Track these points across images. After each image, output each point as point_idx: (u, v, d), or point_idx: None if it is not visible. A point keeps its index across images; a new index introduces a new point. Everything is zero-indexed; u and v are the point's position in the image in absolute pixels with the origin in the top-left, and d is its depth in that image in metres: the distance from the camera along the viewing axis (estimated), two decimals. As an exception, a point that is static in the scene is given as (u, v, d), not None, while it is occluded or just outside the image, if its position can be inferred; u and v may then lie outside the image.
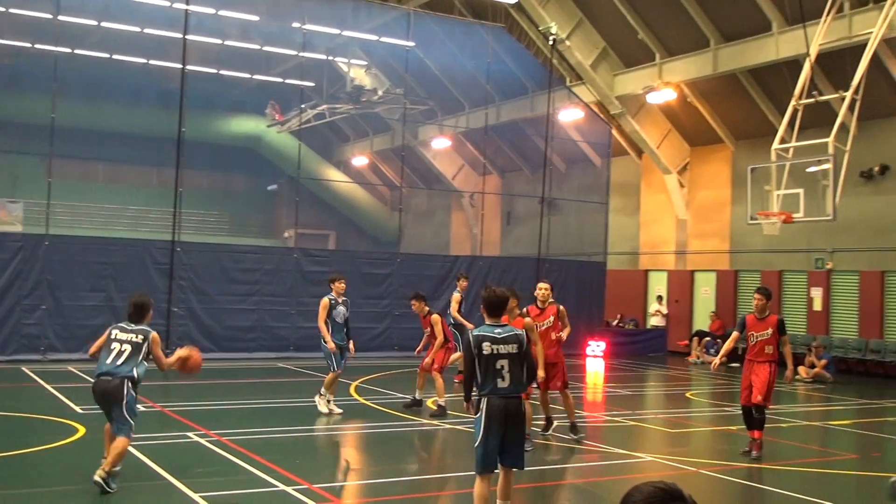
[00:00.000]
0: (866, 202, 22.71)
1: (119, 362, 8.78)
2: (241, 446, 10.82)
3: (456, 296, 17.69)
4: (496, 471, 7.69)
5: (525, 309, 11.46)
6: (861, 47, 19.30)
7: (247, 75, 34.88)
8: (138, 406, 9.07)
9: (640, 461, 11.09)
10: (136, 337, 8.99)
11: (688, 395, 17.85)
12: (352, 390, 16.51)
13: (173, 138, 21.33)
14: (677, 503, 2.50)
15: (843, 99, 19.18)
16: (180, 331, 20.87)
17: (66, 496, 8.66)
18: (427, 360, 14.04)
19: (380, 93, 31.89)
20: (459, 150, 37.06)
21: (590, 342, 25.36)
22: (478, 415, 7.51)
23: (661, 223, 29.36)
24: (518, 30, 29.16)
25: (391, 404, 15.00)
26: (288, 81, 31.03)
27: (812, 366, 21.47)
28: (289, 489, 8.86)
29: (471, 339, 7.51)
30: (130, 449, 9.21)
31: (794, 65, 21.46)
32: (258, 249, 24.24)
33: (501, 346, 7.46)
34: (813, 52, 19.64)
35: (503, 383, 7.44)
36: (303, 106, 28.62)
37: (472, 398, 7.77)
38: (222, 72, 33.99)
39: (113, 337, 8.99)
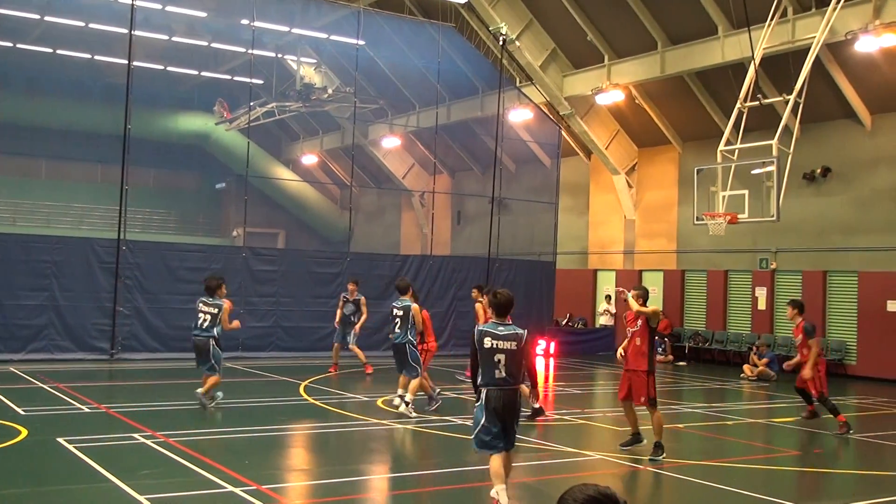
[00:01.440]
0: (809, 203, 23.17)
1: (204, 326, 13.40)
2: (188, 447, 10.69)
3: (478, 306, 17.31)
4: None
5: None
6: (804, 52, 19.69)
7: (194, 72, 34.50)
8: (222, 355, 13.68)
9: (590, 459, 11.18)
10: (213, 309, 13.48)
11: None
12: (301, 390, 16.41)
13: (119, 135, 21.00)
14: None
15: (786, 102, 19.54)
16: (126, 331, 20.57)
17: (10, 499, 8.47)
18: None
19: (329, 91, 31.76)
20: (410, 150, 37.05)
21: (539, 341, 25.49)
22: (478, 403, 8.41)
23: (609, 223, 29.65)
24: (468, 30, 29.23)
25: (341, 404, 14.94)
26: (236, 79, 30.77)
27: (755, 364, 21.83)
28: (237, 490, 8.77)
29: (475, 333, 8.48)
30: (74, 450, 9.06)
31: (740, 68, 21.82)
32: (206, 248, 23.98)
33: (501, 342, 8.31)
34: (757, 56, 19.98)
35: (500, 375, 8.31)
36: (252, 104, 28.36)
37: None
38: (169, 68, 33.59)
39: (198, 308, 13.46)
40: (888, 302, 21.57)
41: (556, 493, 8.64)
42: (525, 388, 13.05)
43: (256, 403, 14.80)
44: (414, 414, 13.26)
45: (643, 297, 11.35)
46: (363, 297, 19.37)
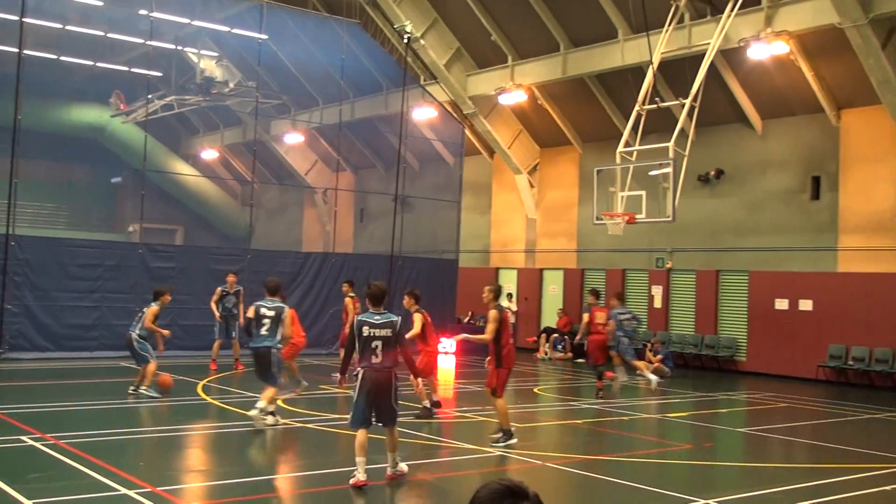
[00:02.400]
0: (703, 205, 23.88)
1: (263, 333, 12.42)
2: (80, 449, 10.36)
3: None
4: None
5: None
6: (700, 57, 20.28)
7: (89, 62, 33.39)
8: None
9: (490, 456, 11.28)
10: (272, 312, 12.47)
11: (536, 390, 18.30)
12: (199, 389, 16.10)
13: (8, 126, 20.19)
14: (520, 499, 2.59)
15: (682, 106, 20.10)
16: (14, 329, 19.81)
17: None
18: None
19: (231, 85, 31.18)
20: (313, 146, 36.71)
21: (441, 339, 25.57)
22: (356, 385, 9.26)
23: (511, 222, 29.98)
24: (373, 26, 29.15)
25: (239, 403, 14.70)
26: (134, 70, 29.91)
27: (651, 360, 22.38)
28: (131, 492, 8.55)
29: (354, 322, 9.34)
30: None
31: (639, 71, 22.34)
32: (100, 244, 23.28)
33: (378, 329, 9.21)
34: (655, 61, 20.49)
35: (376, 359, 9.19)
36: (149, 96, 27.64)
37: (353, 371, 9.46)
38: (63, 58, 32.44)
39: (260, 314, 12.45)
40: (776, 300, 22.42)
41: (457, 490, 8.70)
42: (418, 385, 13.08)
43: (152, 403, 14.44)
44: (270, 420, 12.31)
45: (495, 292, 11.99)
46: (242, 289, 19.29)
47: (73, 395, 15.36)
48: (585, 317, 18.15)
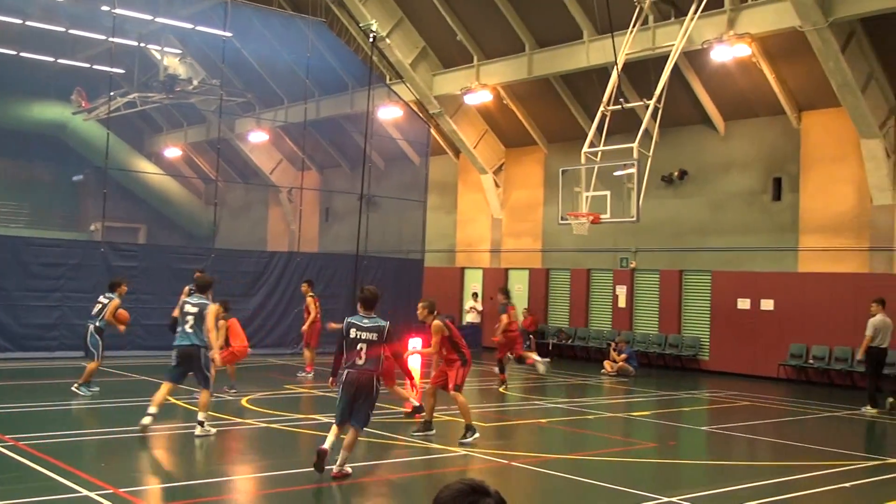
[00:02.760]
0: (667, 205, 24.08)
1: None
2: (39, 451, 10.21)
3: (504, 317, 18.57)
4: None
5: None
6: (664, 59, 20.43)
7: (50, 59, 32.94)
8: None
9: (455, 455, 11.28)
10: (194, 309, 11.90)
11: (501, 389, 18.33)
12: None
13: (-34, 122, 19.88)
14: (482, 497, 2.65)
15: (646, 107, 20.24)
16: (-28, 329, 19.49)
17: None
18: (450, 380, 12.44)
19: (195, 83, 30.92)
20: (278, 145, 36.52)
21: (409, 339, 25.54)
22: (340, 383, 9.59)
23: (477, 222, 30.03)
24: (338, 25, 29.06)
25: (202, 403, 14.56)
26: (96, 67, 29.56)
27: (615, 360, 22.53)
28: (92, 494, 8.44)
29: (343, 324, 9.72)
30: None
31: (603, 72, 22.47)
32: (61, 243, 23.01)
33: (364, 332, 9.56)
34: (620, 62, 20.61)
35: (360, 361, 9.50)
36: (112, 93, 27.31)
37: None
38: (23, 54, 31.99)
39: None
40: (738, 300, 22.67)
41: (421, 490, 8.70)
42: (399, 391, 13.27)
43: (115, 404, 14.28)
44: (213, 430, 11.78)
45: (429, 307, 12.76)
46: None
47: (33, 396, 15.15)
48: (504, 317, 18.64)
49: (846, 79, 18.93)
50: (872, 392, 16.86)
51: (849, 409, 17.00)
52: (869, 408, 16.64)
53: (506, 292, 19.59)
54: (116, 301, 15.09)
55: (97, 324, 14.95)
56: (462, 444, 11.66)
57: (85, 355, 15.26)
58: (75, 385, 14.82)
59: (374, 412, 9.84)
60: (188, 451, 11.50)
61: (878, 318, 16.69)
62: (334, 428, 9.66)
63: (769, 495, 9.60)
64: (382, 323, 9.72)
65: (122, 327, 15.37)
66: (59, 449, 10.65)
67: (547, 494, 9.91)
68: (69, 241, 25.21)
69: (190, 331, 11.79)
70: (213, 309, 12.05)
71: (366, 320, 9.68)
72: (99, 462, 10.07)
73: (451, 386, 12.12)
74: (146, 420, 11.47)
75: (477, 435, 12.02)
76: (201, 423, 11.60)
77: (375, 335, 9.59)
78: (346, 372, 9.57)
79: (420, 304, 12.47)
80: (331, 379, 10.11)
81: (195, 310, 11.86)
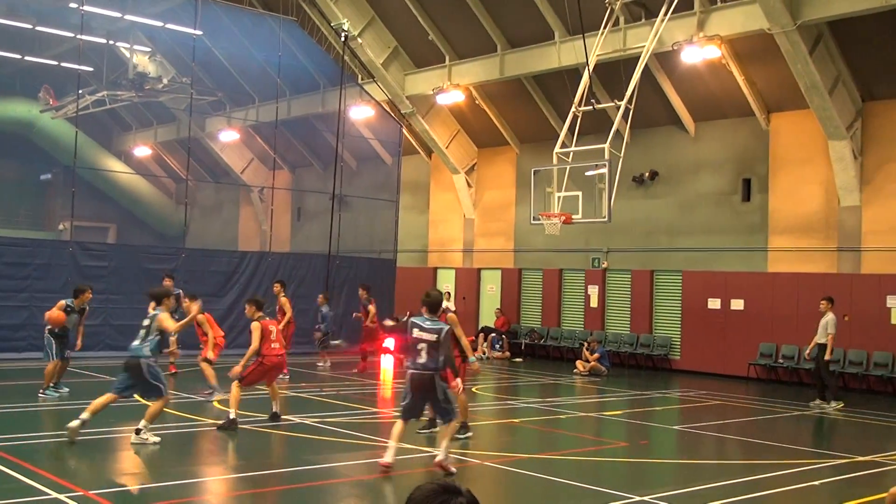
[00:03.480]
0: (638, 205, 24.22)
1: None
2: (7, 453, 10.09)
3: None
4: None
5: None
6: (634, 60, 20.56)
7: (17, 56, 32.55)
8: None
9: (428, 456, 11.28)
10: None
11: (474, 389, 18.35)
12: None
13: (-69, 120, 19.60)
14: (453, 496, 2.71)
15: (617, 108, 20.35)
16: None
17: None
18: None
19: (165, 81, 30.70)
20: (249, 144, 36.33)
21: (383, 339, 25.50)
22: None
23: (449, 222, 30.04)
24: (310, 24, 28.95)
25: (176, 404, 14.46)
26: (64, 65, 29.28)
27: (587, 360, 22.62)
28: (62, 496, 8.35)
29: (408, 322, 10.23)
30: None
31: (575, 73, 22.56)
32: (28, 242, 22.72)
33: (425, 333, 9.94)
34: (591, 63, 20.71)
35: (420, 360, 9.88)
36: (80, 91, 27.01)
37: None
38: (-11, 51, 31.61)
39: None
40: (709, 300, 22.85)
41: (394, 490, 8.69)
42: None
43: (83, 405, 14.11)
44: (153, 439, 11.22)
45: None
46: (181, 292, 18.66)
47: (1, 398, 14.95)
48: (372, 309, 20.24)
49: (814, 81, 19.15)
50: (836, 387, 17.45)
51: (819, 409, 17.18)
52: (833, 403, 17.13)
53: (367, 288, 20.67)
54: (62, 303, 14.89)
55: (50, 326, 14.78)
56: (456, 440, 11.62)
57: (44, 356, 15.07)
58: (41, 391, 14.63)
59: (452, 405, 10.09)
60: (160, 453, 11.40)
61: (833, 317, 17.34)
62: (399, 423, 10.07)
63: (740, 494, 9.68)
64: (444, 326, 10.10)
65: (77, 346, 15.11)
66: (29, 451, 10.53)
67: (519, 494, 9.94)
68: (37, 240, 24.92)
69: (136, 343, 11.45)
70: (164, 318, 11.64)
71: (428, 322, 10.06)
72: (69, 464, 9.96)
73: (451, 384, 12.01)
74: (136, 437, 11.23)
75: (470, 434, 12.15)
76: (138, 431, 11.16)
77: (434, 336, 9.91)
78: (409, 372, 10.05)
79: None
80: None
81: (147, 322, 11.57)
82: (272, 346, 12.77)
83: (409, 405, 10.08)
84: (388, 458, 9.80)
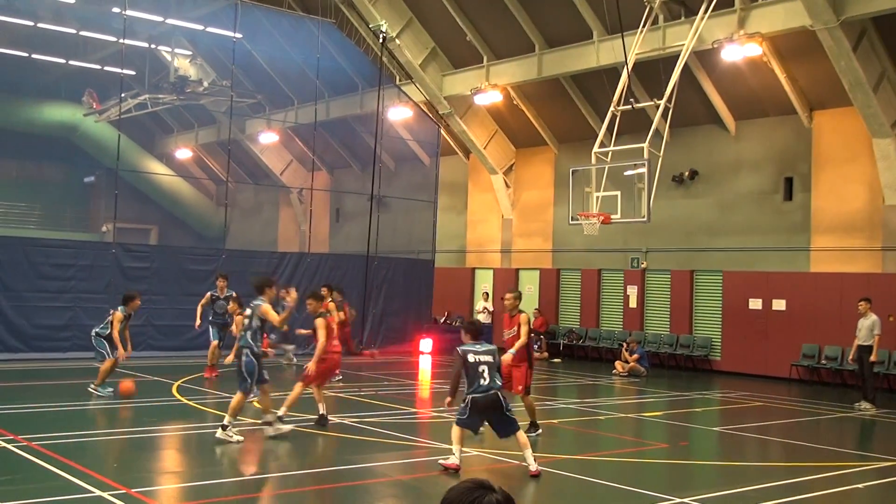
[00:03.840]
0: (677, 205, 24.01)
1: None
2: (53, 451, 10.26)
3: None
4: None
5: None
6: (674, 58, 20.38)
7: (62, 61, 33.09)
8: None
9: (467, 456, 11.27)
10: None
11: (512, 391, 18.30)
12: (174, 390, 15.98)
13: (-21, 125, 19.99)
14: (487, 492, 2.74)
15: (657, 107, 20.19)
16: (-16, 330, 19.58)
17: None
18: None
19: (205, 84, 31.00)
20: (288, 146, 36.59)
21: (420, 339, 25.59)
22: (464, 403, 10.14)
23: (487, 222, 30.01)
24: (348, 26, 29.08)
25: (216, 404, 14.62)
26: (107, 69, 29.67)
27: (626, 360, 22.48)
28: (105, 494, 8.47)
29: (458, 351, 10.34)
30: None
31: (613, 72, 22.43)
32: (72, 244, 23.09)
33: (482, 356, 10.22)
34: (630, 62, 20.57)
35: (484, 382, 10.09)
36: (123, 95, 27.41)
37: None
38: (34, 56, 32.16)
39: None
40: (750, 300, 22.59)
41: (433, 491, 8.68)
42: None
43: (127, 404, 14.32)
44: (237, 438, 11.39)
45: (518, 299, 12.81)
46: (235, 293, 18.40)
47: (45, 397, 15.21)
48: (342, 314, 18.56)
49: (858, 78, 18.86)
50: (874, 389, 17.41)
51: (861, 410, 16.92)
52: (866, 405, 17.04)
53: (341, 290, 19.62)
54: (120, 315, 15.08)
55: (97, 330, 15.18)
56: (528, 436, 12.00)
57: (95, 358, 15.43)
58: (92, 385, 14.92)
59: (511, 412, 10.33)
60: (200, 452, 11.53)
61: (876, 317, 17.12)
62: (457, 428, 10.19)
63: (781, 496, 9.57)
64: (493, 347, 10.56)
65: (122, 352, 15.06)
66: (72, 449, 10.69)
67: (558, 495, 9.90)
68: (80, 242, 25.33)
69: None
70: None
71: (478, 346, 10.34)
72: (111, 462, 10.11)
73: (520, 388, 12.51)
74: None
75: (540, 431, 12.59)
76: (224, 427, 11.35)
77: (491, 357, 10.27)
78: (471, 397, 10.10)
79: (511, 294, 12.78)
80: (448, 399, 10.58)
81: (249, 311, 11.92)
82: (333, 343, 12.78)
83: (470, 421, 10.21)
84: (453, 460, 10.00)
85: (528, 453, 10.20)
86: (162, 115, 39.29)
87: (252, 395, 14.12)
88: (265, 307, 11.66)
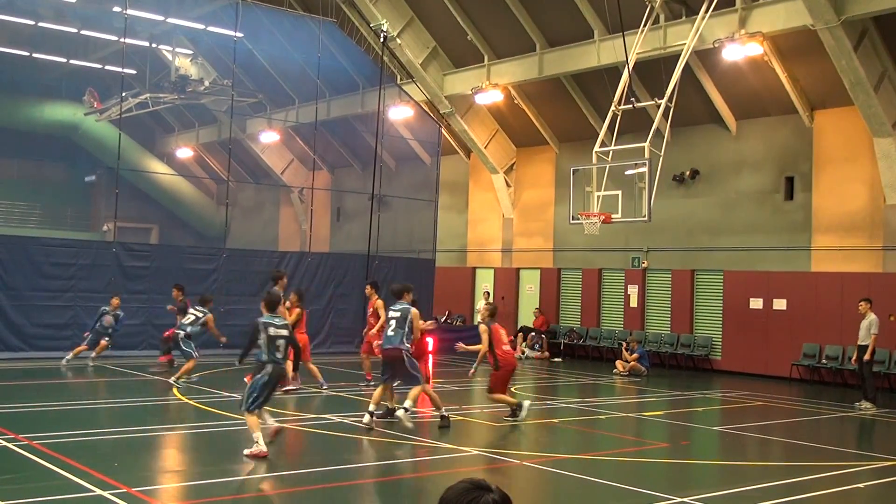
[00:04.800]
0: (678, 204, 24.01)
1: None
2: (53, 450, 10.26)
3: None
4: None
5: None
6: (675, 58, 20.38)
7: (62, 60, 33.11)
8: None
9: (467, 455, 11.28)
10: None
11: (513, 389, 18.32)
12: (174, 389, 15.98)
13: (-20, 124, 20.01)
14: (484, 493, 2.74)
15: (658, 106, 20.19)
16: (-15, 328, 19.58)
17: None
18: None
19: (206, 83, 31.03)
20: (289, 145, 36.60)
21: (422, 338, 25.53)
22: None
23: (488, 221, 30.01)
24: (349, 25, 29.08)
25: (217, 403, 14.63)
26: (108, 68, 29.70)
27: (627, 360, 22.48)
28: (105, 493, 8.47)
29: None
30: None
31: (614, 72, 22.42)
32: (73, 243, 23.09)
33: (280, 330, 10.72)
34: (631, 61, 20.57)
35: (279, 355, 10.68)
36: (124, 94, 27.41)
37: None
38: (35, 55, 32.18)
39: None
40: (751, 299, 22.58)
41: (434, 490, 8.68)
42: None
43: (127, 403, 14.33)
44: (408, 424, 12.38)
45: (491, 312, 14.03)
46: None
47: (46, 396, 15.22)
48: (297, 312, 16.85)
49: (859, 77, 18.85)
50: (874, 389, 17.38)
51: (862, 410, 16.92)
52: (867, 405, 17.04)
53: (300, 293, 17.56)
54: (211, 316, 17.26)
55: (188, 330, 16.83)
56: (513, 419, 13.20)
57: (181, 355, 16.96)
58: (173, 378, 16.24)
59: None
60: (201, 451, 11.54)
61: (875, 317, 17.15)
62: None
63: (782, 496, 9.56)
64: (287, 321, 11.53)
65: (223, 339, 17.43)
66: (73, 448, 10.69)
67: (558, 494, 9.90)
68: (81, 241, 25.32)
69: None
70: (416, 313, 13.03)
71: (276, 319, 10.90)
72: (112, 461, 10.11)
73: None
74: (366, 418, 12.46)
75: (525, 410, 13.52)
76: (406, 410, 12.31)
77: (286, 331, 10.92)
78: (271, 367, 10.69)
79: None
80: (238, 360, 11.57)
81: (398, 314, 12.84)
82: (504, 348, 13.89)
83: (264, 400, 10.81)
84: (258, 448, 10.26)
85: (268, 418, 11.14)
86: (163, 115, 39.32)
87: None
88: (417, 312, 13.04)
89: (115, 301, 19.18)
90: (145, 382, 17.16)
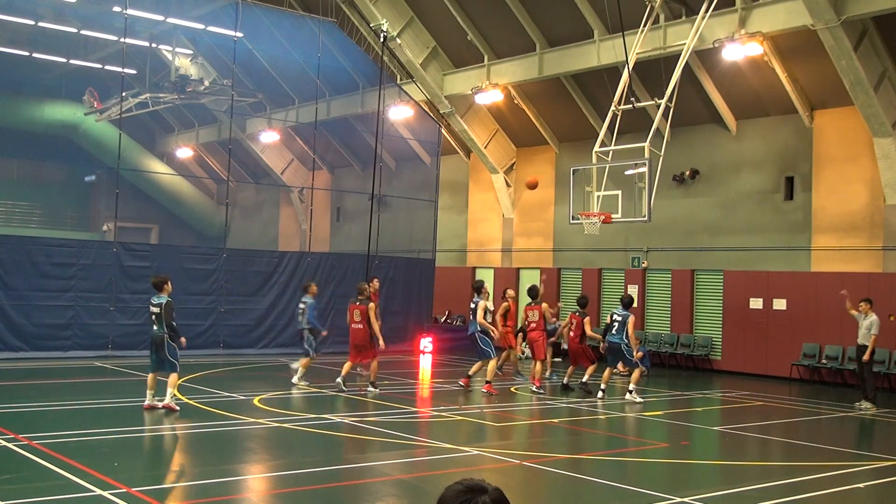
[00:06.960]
0: (678, 204, 24.01)
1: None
2: (53, 450, 10.27)
3: (482, 304, 17.80)
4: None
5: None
6: (675, 58, 20.38)
7: (62, 59, 33.11)
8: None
9: (467, 455, 11.28)
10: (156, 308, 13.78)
11: (512, 389, 18.32)
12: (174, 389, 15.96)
13: (-20, 124, 20.01)
14: (477, 495, 2.74)
15: (658, 106, 20.19)
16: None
17: None
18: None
19: (206, 83, 31.03)
20: (289, 145, 36.60)
21: (421, 338, 25.59)
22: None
23: (488, 221, 30.02)
24: (349, 25, 29.08)
25: (217, 403, 14.64)
26: (108, 68, 29.70)
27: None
28: (105, 493, 8.48)
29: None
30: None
31: (614, 72, 22.42)
32: (73, 243, 23.09)
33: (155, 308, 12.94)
34: (631, 61, 20.57)
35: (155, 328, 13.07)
36: (124, 94, 27.42)
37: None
38: (35, 55, 32.17)
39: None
40: (751, 299, 22.58)
41: (433, 490, 8.70)
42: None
43: (127, 403, 14.33)
44: (638, 400, 14.51)
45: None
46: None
47: (46, 396, 15.22)
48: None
49: (859, 77, 18.85)
50: (874, 389, 17.42)
51: (862, 410, 16.93)
52: (866, 404, 17.06)
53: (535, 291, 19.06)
54: (311, 301, 17.44)
55: (310, 326, 17.22)
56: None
57: (303, 352, 17.33)
58: (295, 378, 16.72)
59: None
60: (202, 450, 11.54)
61: (876, 318, 17.20)
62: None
63: (782, 496, 9.57)
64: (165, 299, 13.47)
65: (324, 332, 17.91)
66: (73, 448, 10.70)
67: (558, 494, 9.91)
68: (82, 241, 25.32)
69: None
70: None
71: (156, 298, 13.17)
72: (112, 461, 10.11)
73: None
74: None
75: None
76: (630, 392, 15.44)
77: (159, 309, 13.19)
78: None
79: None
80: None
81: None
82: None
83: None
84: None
85: (171, 391, 12.89)
86: (163, 114, 39.32)
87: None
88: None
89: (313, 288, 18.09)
90: (144, 383, 17.13)
